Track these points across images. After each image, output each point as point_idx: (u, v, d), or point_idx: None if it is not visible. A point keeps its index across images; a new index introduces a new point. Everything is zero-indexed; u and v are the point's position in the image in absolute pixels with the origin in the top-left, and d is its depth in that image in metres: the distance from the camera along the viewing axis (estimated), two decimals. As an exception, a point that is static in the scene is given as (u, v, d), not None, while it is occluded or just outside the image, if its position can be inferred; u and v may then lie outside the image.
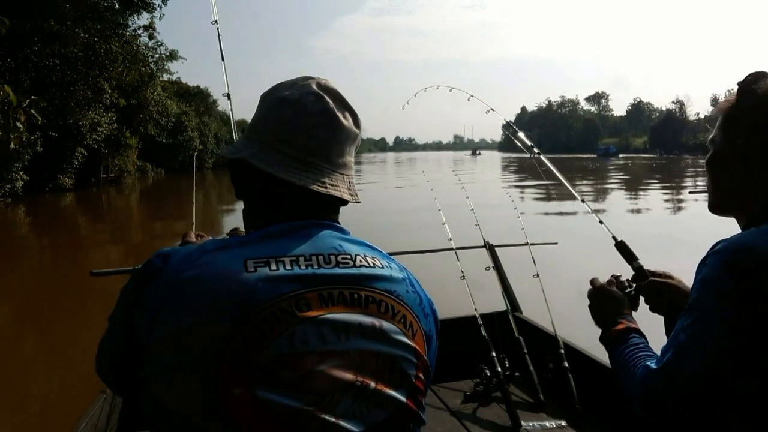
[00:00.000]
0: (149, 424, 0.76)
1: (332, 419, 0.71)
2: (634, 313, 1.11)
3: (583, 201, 1.65)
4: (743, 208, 0.90)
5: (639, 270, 1.20)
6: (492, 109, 1.97)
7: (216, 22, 1.67)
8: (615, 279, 1.16)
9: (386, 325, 0.79)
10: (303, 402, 0.71)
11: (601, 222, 1.47)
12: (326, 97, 0.85)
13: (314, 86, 0.86)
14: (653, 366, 0.85)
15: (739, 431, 0.80)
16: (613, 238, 1.31)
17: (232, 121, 1.68)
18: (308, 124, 0.84)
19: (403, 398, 0.79)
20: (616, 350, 0.99)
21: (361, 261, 0.81)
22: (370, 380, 0.75)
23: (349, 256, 0.81)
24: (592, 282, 1.15)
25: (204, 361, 0.69)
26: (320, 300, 0.76)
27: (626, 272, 1.21)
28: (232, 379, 0.69)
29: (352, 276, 0.79)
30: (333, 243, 0.82)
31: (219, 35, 1.62)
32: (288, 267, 0.76)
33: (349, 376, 0.74)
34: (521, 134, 1.87)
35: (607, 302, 1.09)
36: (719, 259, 0.80)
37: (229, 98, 1.66)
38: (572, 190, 1.69)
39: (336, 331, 0.75)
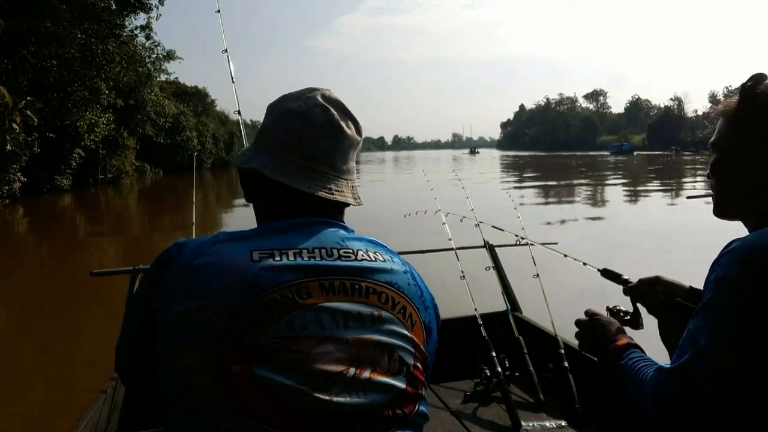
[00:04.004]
0: (155, 417, 0.80)
1: (326, 398, 0.75)
2: (638, 332, 1.12)
3: (565, 255, 1.99)
4: (753, 210, 0.89)
5: (627, 282, 1.25)
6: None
7: (225, 51, 1.76)
8: (609, 309, 1.18)
9: (385, 315, 0.82)
10: (298, 381, 0.74)
11: (585, 264, 1.69)
12: (331, 108, 0.91)
13: (319, 98, 0.91)
14: (667, 367, 0.84)
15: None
16: (598, 270, 1.43)
17: (243, 136, 1.74)
18: (315, 135, 0.89)
19: (402, 385, 0.81)
20: (620, 364, 0.98)
21: (362, 255, 0.85)
22: (367, 367, 0.78)
23: (351, 251, 0.85)
24: (585, 312, 1.15)
25: (209, 340, 0.74)
26: (321, 289, 0.79)
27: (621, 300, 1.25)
28: (234, 358, 0.74)
29: (354, 268, 0.83)
30: (336, 238, 0.86)
31: (229, 60, 1.72)
32: (291, 258, 0.81)
33: (344, 360, 0.77)
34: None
35: (597, 326, 1.09)
36: (735, 259, 0.79)
37: (239, 114, 1.76)
38: (552, 248, 2.09)
39: (335, 319, 0.78)
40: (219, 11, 1.84)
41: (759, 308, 0.76)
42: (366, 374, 0.78)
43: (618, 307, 1.19)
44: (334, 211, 0.91)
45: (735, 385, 0.78)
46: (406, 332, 0.83)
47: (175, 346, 0.77)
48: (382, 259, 0.87)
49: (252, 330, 0.75)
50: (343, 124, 0.91)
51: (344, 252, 0.84)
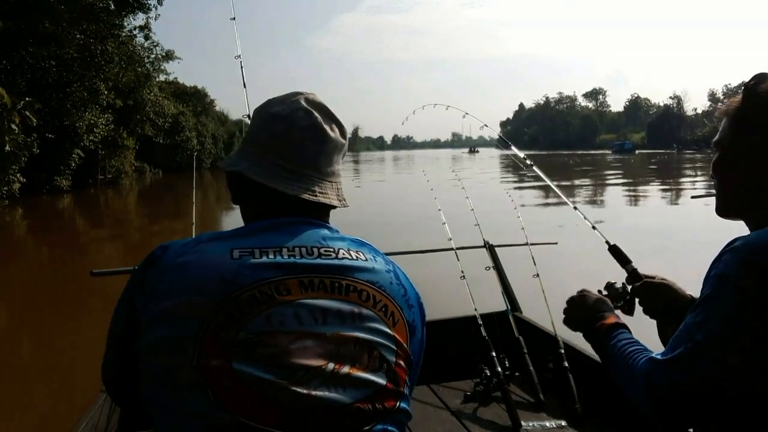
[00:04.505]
0: (149, 422, 0.79)
1: (304, 391, 0.75)
2: (629, 318, 1.11)
3: (575, 208, 1.70)
4: (754, 209, 0.90)
5: (633, 273, 1.22)
6: (486, 125, 2.02)
7: (239, 56, 1.80)
8: (609, 286, 1.17)
9: (366, 312, 0.83)
10: (275, 375, 0.75)
11: (594, 227, 1.52)
12: (314, 112, 0.92)
13: (303, 102, 0.93)
14: (660, 358, 0.84)
15: (745, 429, 0.79)
16: (607, 242, 1.34)
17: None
18: (299, 138, 0.91)
19: (382, 381, 0.81)
20: (607, 344, 0.98)
21: (344, 254, 0.86)
22: (346, 363, 0.79)
23: (331, 249, 0.86)
24: (578, 292, 1.13)
25: (189, 335, 0.76)
26: (300, 286, 0.81)
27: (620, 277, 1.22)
28: (212, 352, 0.75)
29: (334, 266, 0.84)
30: (317, 237, 0.88)
31: (242, 66, 1.77)
32: (271, 256, 0.82)
33: (323, 355, 0.78)
34: (514, 149, 2.02)
35: (587, 302, 1.08)
36: (737, 257, 0.79)
37: (249, 118, 1.83)
38: (562, 195, 1.77)
39: (313, 315, 0.79)
40: (234, 18, 1.85)
41: (759, 308, 0.76)
42: (345, 369, 0.78)
43: (615, 285, 1.17)
44: (320, 213, 0.93)
45: (729, 383, 0.78)
46: (387, 330, 0.84)
47: (155, 343, 0.78)
48: (364, 258, 0.88)
49: (230, 326, 0.76)
50: (326, 127, 0.92)
51: (325, 251, 0.85)
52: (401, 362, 0.84)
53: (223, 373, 0.74)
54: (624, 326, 1.01)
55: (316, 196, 0.90)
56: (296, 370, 0.76)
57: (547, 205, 15.61)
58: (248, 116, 1.75)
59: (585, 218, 1.65)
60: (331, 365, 0.78)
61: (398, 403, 0.83)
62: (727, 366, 0.77)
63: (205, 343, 0.75)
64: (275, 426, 0.74)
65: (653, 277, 1.16)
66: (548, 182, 1.82)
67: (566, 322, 1.12)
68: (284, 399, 0.74)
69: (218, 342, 0.75)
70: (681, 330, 0.83)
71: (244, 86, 1.73)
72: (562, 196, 1.74)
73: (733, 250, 0.80)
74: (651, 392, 0.83)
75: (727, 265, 0.80)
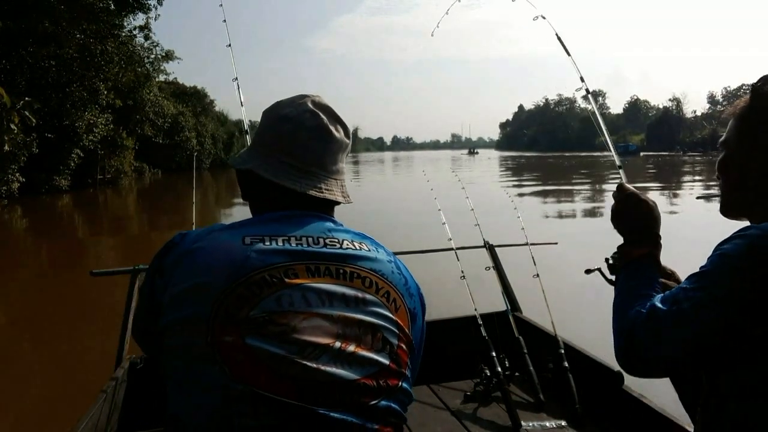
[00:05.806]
0: (155, 416, 0.82)
1: (314, 365, 0.79)
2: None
3: (620, 167, 1.39)
4: (759, 208, 0.91)
5: None
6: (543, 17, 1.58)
7: (236, 79, 1.86)
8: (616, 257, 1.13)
9: (369, 297, 0.87)
10: (286, 350, 0.79)
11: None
12: (320, 113, 0.98)
13: (310, 104, 0.99)
14: (644, 312, 0.85)
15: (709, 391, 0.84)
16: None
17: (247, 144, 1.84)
18: (306, 138, 0.96)
19: (385, 361, 0.85)
20: (632, 270, 0.96)
21: (348, 245, 0.92)
22: (352, 342, 0.83)
23: (336, 240, 0.92)
24: (622, 188, 1.04)
25: (204, 314, 0.81)
26: (307, 271, 0.86)
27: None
28: (226, 329, 0.80)
29: (338, 254, 0.89)
30: (323, 228, 0.93)
31: (238, 87, 1.85)
32: (280, 243, 0.87)
33: (330, 334, 0.82)
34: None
35: (642, 211, 1.01)
36: (746, 241, 0.81)
37: (247, 133, 1.88)
38: (614, 152, 1.45)
39: (320, 297, 0.84)
40: (230, 45, 1.95)
41: (753, 292, 0.77)
42: (351, 348, 0.83)
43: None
44: (326, 209, 0.98)
45: (700, 355, 0.81)
46: (389, 314, 0.88)
47: (175, 322, 0.84)
48: (367, 249, 0.93)
49: (242, 305, 0.81)
50: (332, 127, 0.98)
51: (330, 241, 0.91)
52: (403, 345, 0.89)
53: (236, 347, 0.79)
54: (655, 260, 0.98)
55: (322, 192, 0.96)
56: (305, 346, 0.80)
57: (548, 201, 15.60)
58: (246, 131, 1.78)
59: (624, 180, 1.39)
60: (338, 343, 0.82)
61: (401, 383, 0.87)
62: (705, 338, 0.80)
63: (218, 321, 0.80)
64: (288, 397, 0.78)
65: (670, 275, 1.12)
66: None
67: (614, 214, 1.04)
68: (295, 372, 0.79)
69: (231, 320, 0.80)
70: (672, 292, 0.85)
71: (242, 104, 1.81)
72: (614, 153, 1.43)
73: (745, 235, 0.82)
74: (630, 342, 0.85)
75: (735, 247, 0.81)
